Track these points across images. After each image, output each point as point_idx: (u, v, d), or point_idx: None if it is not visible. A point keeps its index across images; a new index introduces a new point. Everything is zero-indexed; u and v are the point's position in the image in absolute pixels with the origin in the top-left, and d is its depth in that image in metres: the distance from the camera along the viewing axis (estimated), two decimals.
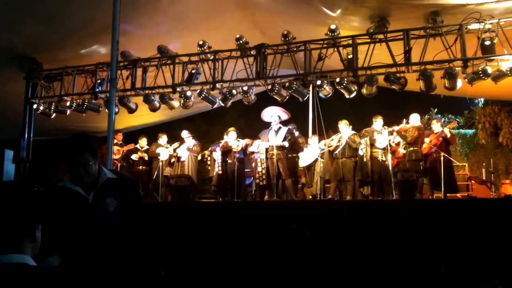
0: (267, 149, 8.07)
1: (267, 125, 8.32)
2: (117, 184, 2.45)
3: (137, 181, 2.77)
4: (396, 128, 8.05)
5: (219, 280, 5.12)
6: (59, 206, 2.32)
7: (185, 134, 9.33)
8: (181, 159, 9.24)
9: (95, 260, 2.25)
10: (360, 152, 7.97)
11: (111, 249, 2.30)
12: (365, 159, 7.88)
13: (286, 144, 7.99)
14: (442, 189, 7.41)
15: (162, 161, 9.07)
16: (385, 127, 8.06)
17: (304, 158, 8.70)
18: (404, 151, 8.00)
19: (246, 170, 9.05)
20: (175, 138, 9.70)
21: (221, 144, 8.77)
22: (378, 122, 8.11)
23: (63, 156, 2.36)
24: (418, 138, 7.90)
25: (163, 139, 9.46)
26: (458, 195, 8.19)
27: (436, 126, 8.05)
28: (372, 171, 7.87)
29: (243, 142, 8.56)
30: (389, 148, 7.86)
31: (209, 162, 9.30)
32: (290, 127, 8.41)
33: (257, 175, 8.09)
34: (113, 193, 2.40)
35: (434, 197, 7.83)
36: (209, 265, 5.34)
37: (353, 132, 8.09)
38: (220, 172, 8.55)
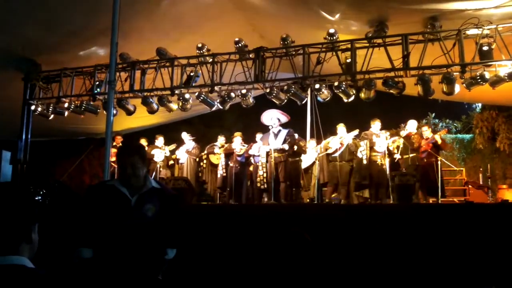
0: (267, 153, 8.05)
1: (266, 127, 8.32)
2: (159, 194, 2.67)
3: (178, 195, 2.93)
4: (403, 133, 8.03)
5: (217, 283, 5.10)
6: (105, 202, 2.57)
7: (185, 136, 9.32)
8: (180, 161, 9.24)
9: (124, 258, 2.44)
10: (359, 155, 7.97)
11: (141, 251, 2.49)
12: (364, 162, 7.88)
13: (286, 146, 7.96)
14: (439, 193, 7.41)
15: (158, 162, 9.05)
16: (383, 131, 8.07)
17: (303, 161, 8.71)
18: (399, 156, 8.00)
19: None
20: (173, 140, 9.69)
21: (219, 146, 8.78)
22: (376, 125, 8.11)
23: (117, 157, 2.72)
24: (419, 145, 7.94)
25: (159, 140, 9.46)
26: (455, 199, 8.19)
27: (427, 133, 8.07)
28: (371, 174, 7.87)
29: (247, 146, 8.56)
30: (386, 152, 7.86)
31: (205, 166, 9.29)
32: (291, 130, 8.40)
33: (258, 178, 8.08)
34: (154, 201, 2.61)
35: (431, 202, 7.83)
36: (208, 269, 5.32)
37: (353, 135, 8.08)
38: (224, 174, 8.56)
